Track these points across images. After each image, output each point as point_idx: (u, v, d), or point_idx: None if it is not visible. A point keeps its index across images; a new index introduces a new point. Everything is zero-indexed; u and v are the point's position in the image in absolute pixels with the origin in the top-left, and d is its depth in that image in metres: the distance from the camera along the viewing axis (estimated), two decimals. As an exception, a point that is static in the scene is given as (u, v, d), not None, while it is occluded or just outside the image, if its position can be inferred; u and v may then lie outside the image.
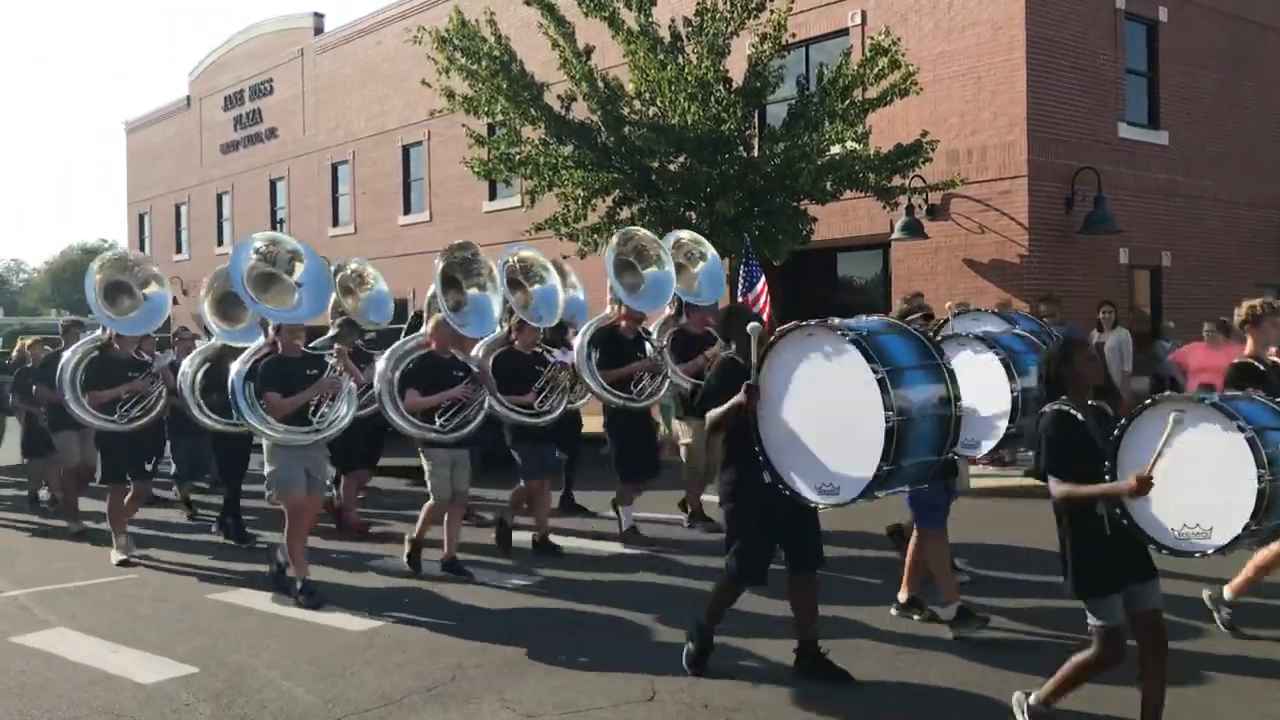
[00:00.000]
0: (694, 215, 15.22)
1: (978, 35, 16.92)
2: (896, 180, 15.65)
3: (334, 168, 31.02)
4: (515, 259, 9.80)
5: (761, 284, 13.52)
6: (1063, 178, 16.76)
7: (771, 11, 15.01)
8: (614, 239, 10.16)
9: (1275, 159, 20.20)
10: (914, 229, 16.79)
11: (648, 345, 9.83)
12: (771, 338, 5.45)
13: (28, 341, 13.35)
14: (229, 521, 10.22)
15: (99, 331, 9.46)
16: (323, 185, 31.40)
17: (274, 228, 33.76)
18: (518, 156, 15.67)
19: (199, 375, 9.94)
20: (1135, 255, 17.72)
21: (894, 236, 17.07)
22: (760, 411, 5.36)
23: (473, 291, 9.21)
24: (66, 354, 9.53)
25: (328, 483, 9.22)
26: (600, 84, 15.16)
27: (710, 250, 10.61)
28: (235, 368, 8.20)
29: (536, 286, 9.79)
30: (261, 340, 8.59)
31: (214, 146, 36.26)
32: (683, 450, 10.20)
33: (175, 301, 35.57)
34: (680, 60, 15.02)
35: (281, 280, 8.01)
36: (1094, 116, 17.36)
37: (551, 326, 9.87)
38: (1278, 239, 20.08)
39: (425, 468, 8.58)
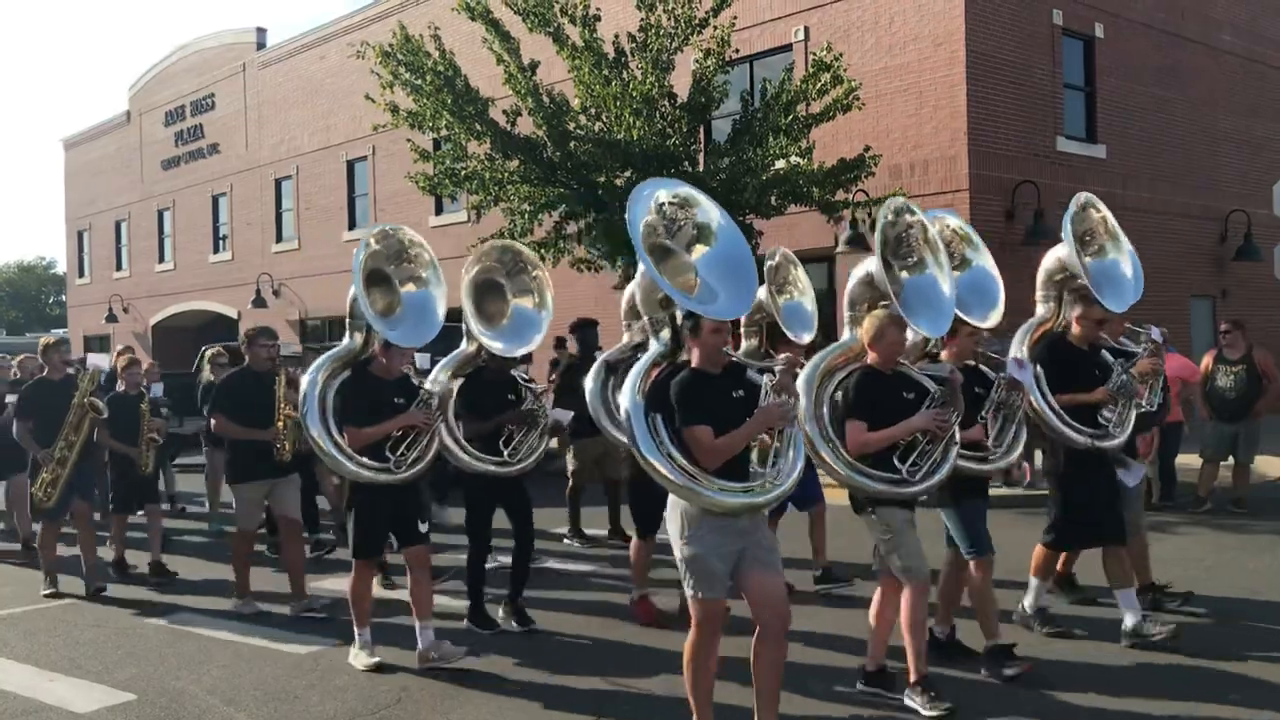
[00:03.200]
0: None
1: (919, 51, 17.13)
2: (840, 194, 15.77)
3: (277, 183, 30.73)
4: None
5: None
6: (1003, 191, 17.00)
7: (715, 28, 15.09)
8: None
9: (1210, 172, 20.65)
10: (858, 242, 16.93)
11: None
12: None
13: (209, 351, 12.22)
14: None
15: (346, 339, 6.87)
16: (266, 201, 31.07)
17: (216, 244, 33.40)
18: (463, 171, 15.59)
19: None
20: (1075, 267, 17.97)
21: (838, 250, 17.21)
22: None
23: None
24: (311, 373, 6.68)
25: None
26: (546, 99, 15.14)
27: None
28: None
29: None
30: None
31: (154, 162, 35.77)
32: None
33: (115, 318, 35.17)
34: (625, 76, 15.05)
35: (678, 256, 5.24)
36: (1033, 130, 17.65)
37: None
38: (1214, 250, 20.50)
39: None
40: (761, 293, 7.14)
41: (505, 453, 7.09)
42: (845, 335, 5.87)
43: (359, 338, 6.74)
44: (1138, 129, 19.34)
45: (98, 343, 37.16)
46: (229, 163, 32.44)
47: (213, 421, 8.14)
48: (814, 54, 15.73)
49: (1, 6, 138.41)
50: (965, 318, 5.92)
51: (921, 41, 17.10)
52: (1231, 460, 11.43)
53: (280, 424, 7.95)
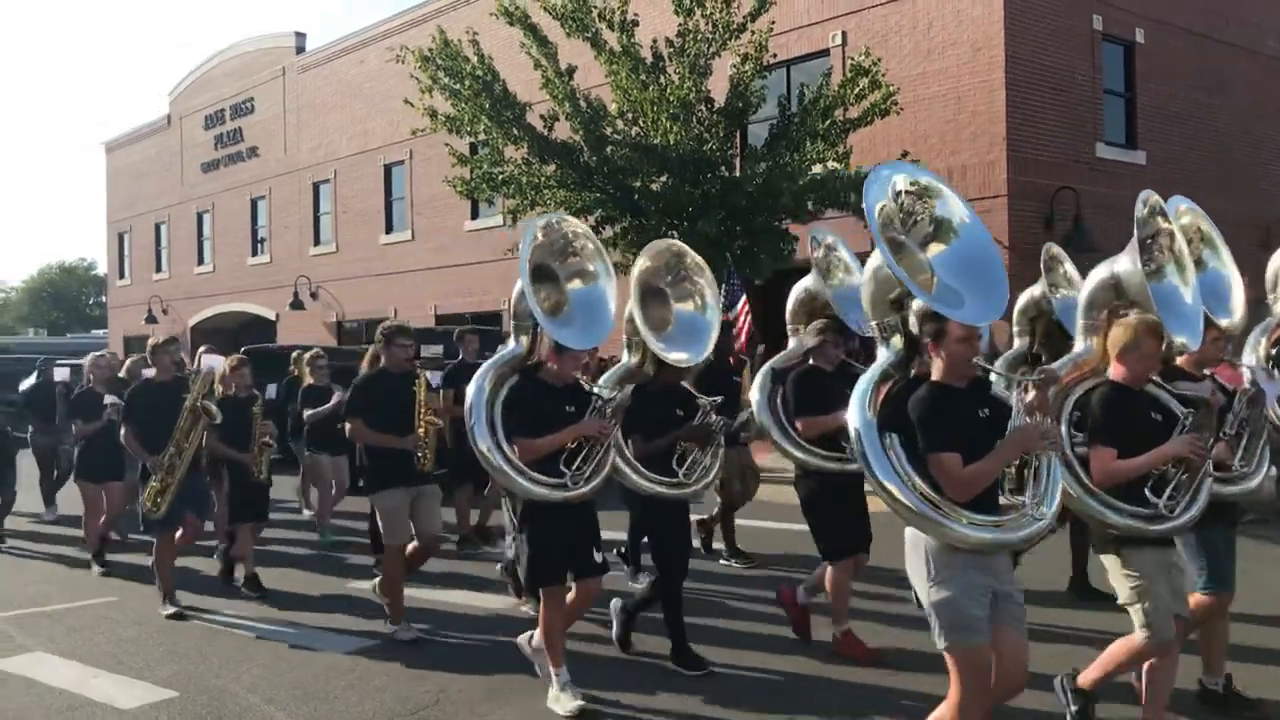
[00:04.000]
0: (676, 235, 15.25)
1: (958, 56, 17.05)
2: (878, 200, 15.71)
3: (315, 187, 30.99)
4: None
5: (742, 302, 13.59)
6: (1042, 197, 16.88)
7: (753, 32, 15.10)
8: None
9: (1250, 178, 20.40)
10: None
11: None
12: None
13: (306, 354, 11.59)
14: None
15: (511, 343, 6.33)
16: (304, 204, 31.34)
17: (255, 247, 33.70)
18: (500, 176, 15.69)
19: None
20: (1114, 274, 17.82)
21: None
22: None
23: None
24: (477, 381, 5.98)
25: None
26: (583, 104, 15.21)
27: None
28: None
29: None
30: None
31: (194, 165, 36.17)
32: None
33: (154, 319, 35.60)
34: (662, 80, 15.08)
35: (912, 254, 4.62)
36: (1072, 136, 17.52)
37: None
38: (1253, 257, 20.22)
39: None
40: (1037, 288, 6.81)
41: (680, 473, 6.39)
42: (1080, 345, 5.17)
43: (524, 340, 6.14)
44: (1178, 135, 19.15)
45: (138, 344, 37.62)
46: (267, 166, 32.75)
47: (348, 426, 7.35)
48: (852, 59, 15.71)
49: (47, 14, 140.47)
50: (1212, 318, 5.30)
51: (960, 46, 17.02)
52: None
53: (421, 430, 7.32)
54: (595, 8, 15.17)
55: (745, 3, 15.09)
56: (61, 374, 13.32)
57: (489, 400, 5.83)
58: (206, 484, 8.85)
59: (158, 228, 38.77)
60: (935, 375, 4.28)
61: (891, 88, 15.00)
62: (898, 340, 4.73)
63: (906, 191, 4.54)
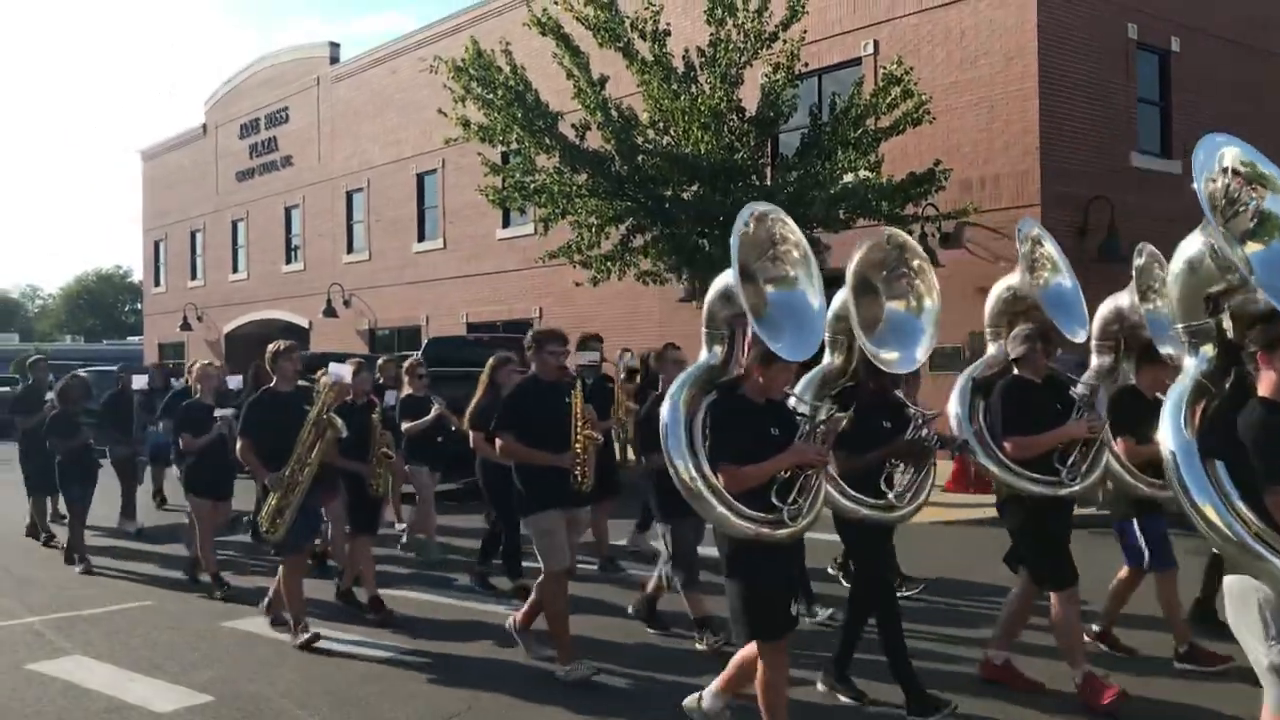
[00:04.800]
0: (707, 244, 15.28)
1: (990, 65, 16.99)
2: (909, 209, 15.68)
3: (349, 195, 31.22)
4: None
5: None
6: (1076, 207, 16.78)
7: (785, 42, 15.10)
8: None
9: (1288, 187, 20.16)
10: (927, 257, 16.76)
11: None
12: None
13: (406, 361, 11.31)
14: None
15: (703, 354, 5.39)
16: (337, 213, 31.59)
17: (289, 255, 34.00)
18: (532, 185, 15.76)
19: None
20: (1149, 284, 17.67)
21: (907, 265, 17.06)
22: None
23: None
24: (672, 396, 5.23)
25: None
26: (614, 113, 15.25)
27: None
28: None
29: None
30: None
31: (229, 174, 36.53)
32: None
33: (189, 326, 35.84)
34: (694, 90, 15.11)
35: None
36: (1107, 145, 17.40)
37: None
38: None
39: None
40: (1123, 298, 6.30)
41: (890, 494, 5.76)
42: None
43: (719, 350, 5.33)
44: (1214, 144, 18.95)
45: (172, 350, 38.03)
46: (302, 175, 33.03)
47: (498, 443, 6.63)
48: (884, 68, 15.68)
49: (86, 25, 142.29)
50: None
51: (993, 55, 16.96)
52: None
53: (579, 446, 6.57)
54: (627, 18, 15.23)
55: (777, 12, 15.09)
56: (140, 382, 13.05)
57: (687, 419, 5.06)
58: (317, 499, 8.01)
59: (193, 235, 39.17)
60: (1265, 392, 3.77)
61: (924, 96, 14.96)
62: (1209, 348, 4.14)
63: (1234, 171, 3.98)
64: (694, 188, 15.13)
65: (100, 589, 9.53)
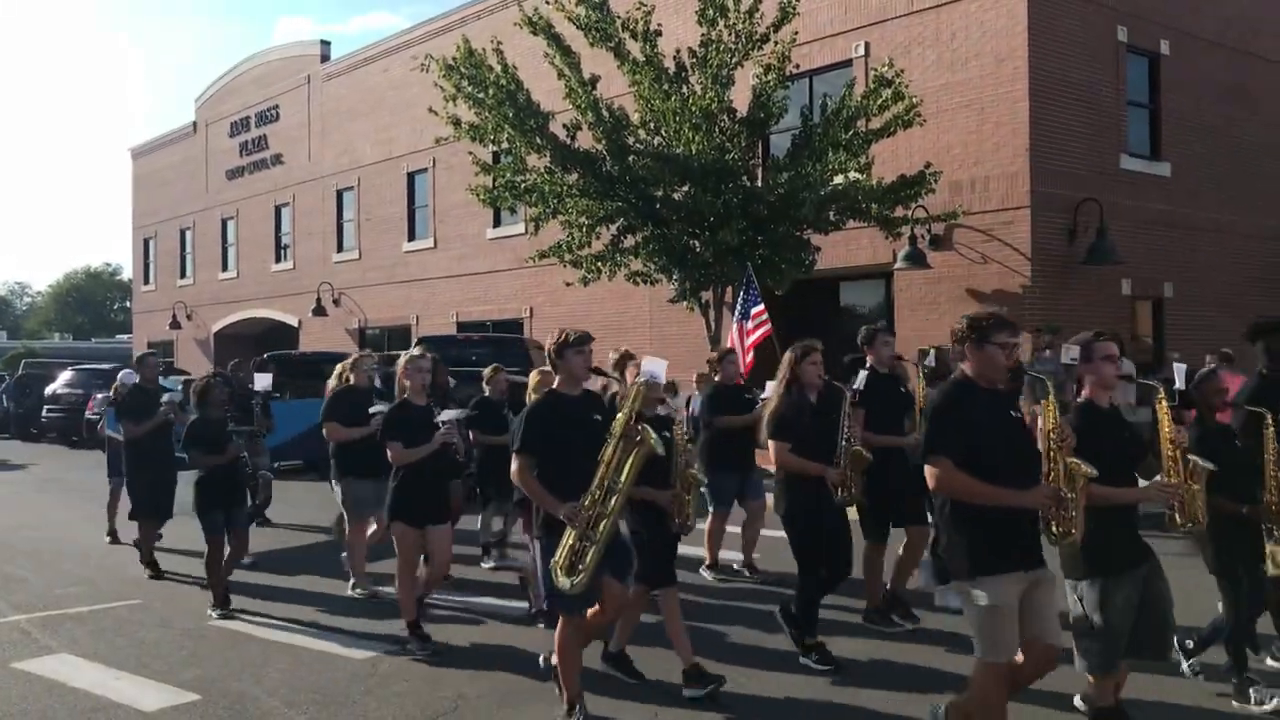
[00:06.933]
0: (698, 244, 15.30)
1: (980, 67, 17.02)
2: (899, 210, 15.72)
3: (339, 194, 31.17)
4: None
5: (757, 310, 13.61)
6: (1065, 209, 16.82)
7: (775, 43, 15.13)
8: None
9: (1275, 189, 20.26)
10: (917, 259, 16.82)
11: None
12: None
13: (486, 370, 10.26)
14: None
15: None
16: (328, 211, 31.52)
17: (278, 253, 33.95)
18: (523, 184, 15.76)
19: None
20: (1137, 286, 17.75)
21: (897, 266, 17.11)
22: None
23: None
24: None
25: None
26: (605, 113, 15.27)
27: None
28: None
29: None
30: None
31: (219, 172, 36.44)
32: None
33: (179, 325, 35.89)
34: (685, 90, 15.14)
35: None
36: (1096, 148, 17.44)
37: None
38: (1278, 270, 20.12)
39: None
40: None
41: None
42: None
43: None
44: (1203, 146, 19.04)
45: (161, 349, 37.93)
46: (292, 173, 32.96)
47: (770, 447, 6.29)
48: (875, 69, 15.72)
49: (76, 22, 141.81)
50: None
51: (983, 57, 16.99)
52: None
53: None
54: (618, 18, 15.24)
55: (768, 13, 15.12)
56: (263, 382, 10.60)
57: None
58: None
59: (183, 233, 39.07)
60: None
61: (914, 99, 15.00)
62: None
63: None
64: (685, 188, 15.16)
65: (87, 588, 9.49)
